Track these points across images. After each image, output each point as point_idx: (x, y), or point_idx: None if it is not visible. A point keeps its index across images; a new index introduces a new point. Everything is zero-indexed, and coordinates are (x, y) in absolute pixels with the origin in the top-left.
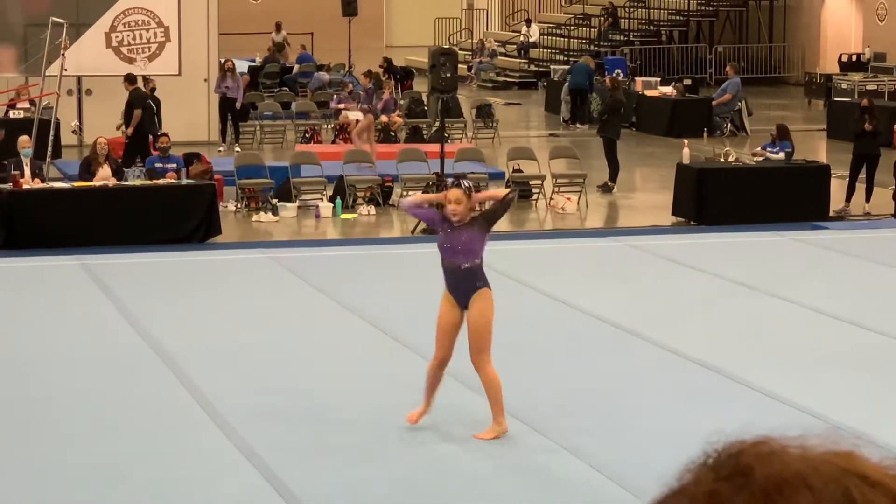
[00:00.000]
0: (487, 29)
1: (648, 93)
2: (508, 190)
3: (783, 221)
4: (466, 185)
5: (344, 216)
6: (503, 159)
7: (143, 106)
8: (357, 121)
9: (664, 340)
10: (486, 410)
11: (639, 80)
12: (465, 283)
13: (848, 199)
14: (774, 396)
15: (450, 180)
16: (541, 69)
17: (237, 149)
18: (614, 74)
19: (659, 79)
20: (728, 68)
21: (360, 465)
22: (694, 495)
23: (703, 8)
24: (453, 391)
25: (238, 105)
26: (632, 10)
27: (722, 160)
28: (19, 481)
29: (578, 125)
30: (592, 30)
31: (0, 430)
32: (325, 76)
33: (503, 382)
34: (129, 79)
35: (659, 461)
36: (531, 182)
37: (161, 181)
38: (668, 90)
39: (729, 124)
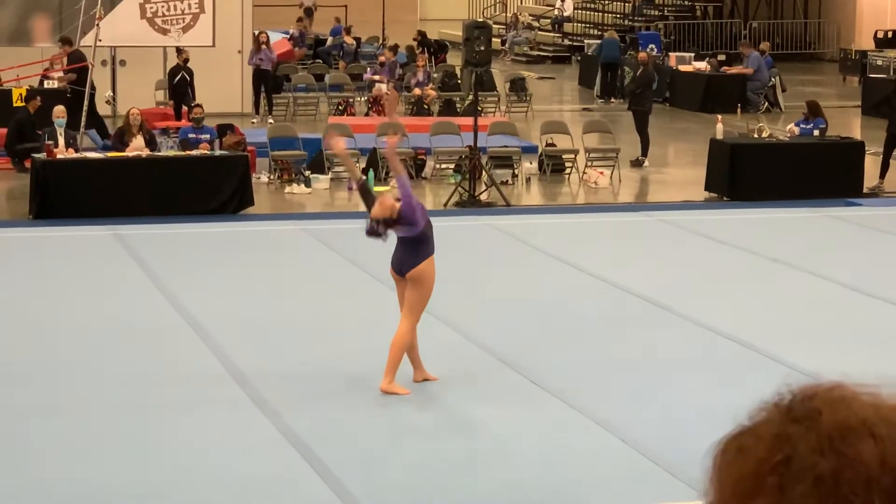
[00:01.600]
0: (521, 3)
1: (682, 68)
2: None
3: (817, 198)
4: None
5: (377, 188)
6: (536, 133)
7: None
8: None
9: (696, 315)
10: (505, 379)
11: (673, 55)
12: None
13: (882, 175)
14: (806, 373)
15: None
16: (574, 43)
17: (270, 120)
18: (647, 49)
19: (693, 54)
20: (762, 45)
21: (391, 437)
22: (762, 435)
23: None
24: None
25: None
26: None
27: (755, 136)
28: (51, 452)
29: (612, 100)
30: (627, 4)
31: (32, 401)
32: (349, 42)
33: (539, 357)
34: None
35: (688, 436)
36: (564, 156)
37: (194, 152)
38: (702, 65)
39: (764, 100)
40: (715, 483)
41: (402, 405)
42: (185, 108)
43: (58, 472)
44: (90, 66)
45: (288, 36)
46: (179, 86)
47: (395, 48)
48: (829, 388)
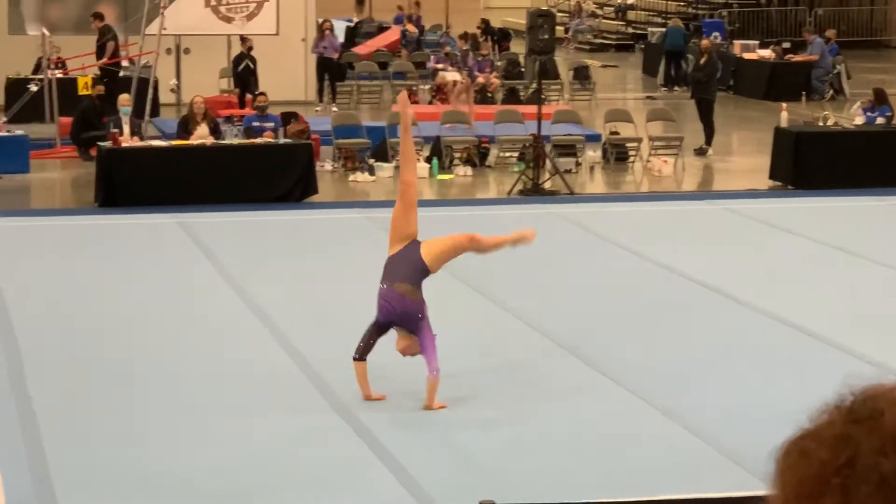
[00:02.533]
0: None
1: (746, 56)
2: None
3: (882, 186)
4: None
5: (441, 177)
6: (600, 121)
7: (114, 37)
8: (455, 82)
9: (760, 304)
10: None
11: (737, 42)
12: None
13: None
14: (872, 362)
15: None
16: (638, 31)
17: (334, 108)
18: (712, 37)
19: (757, 42)
20: (827, 33)
21: (454, 424)
22: (824, 437)
23: None
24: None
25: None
26: None
27: (821, 124)
28: (112, 438)
29: (675, 88)
30: None
31: (97, 387)
32: (412, 31)
33: (602, 345)
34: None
35: (750, 424)
36: (628, 144)
37: (258, 140)
38: (767, 53)
39: (829, 88)
40: (778, 486)
41: (464, 392)
42: (248, 97)
43: (118, 459)
44: (156, 55)
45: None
46: (243, 74)
47: (465, 35)
48: (891, 388)
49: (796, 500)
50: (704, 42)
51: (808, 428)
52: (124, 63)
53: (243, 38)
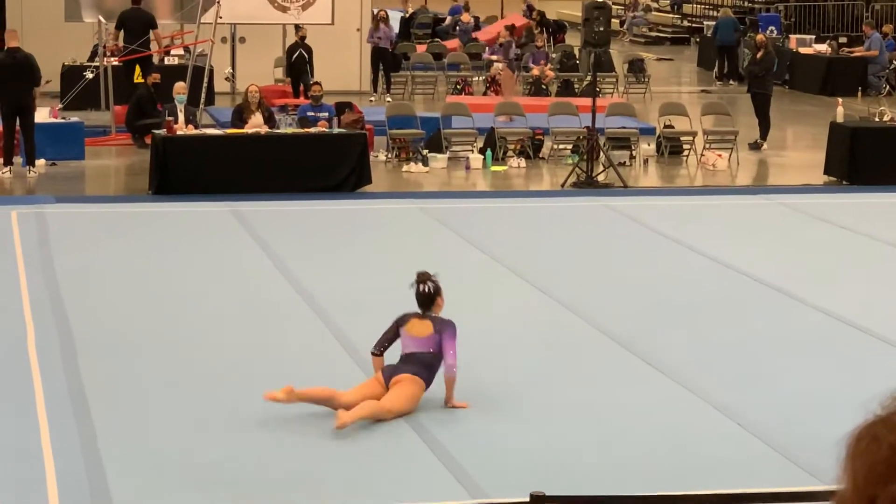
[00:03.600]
0: None
1: (802, 50)
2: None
3: None
4: (428, 288)
5: (494, 168)
6: (654, 115)
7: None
8: (498, 73)
9: (814, 300)
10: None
11: (793, 37)
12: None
13: None
14: None
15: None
16: (693, 24)
17: (388, 99)
18: (768, 31)
19: (813, 36)
20: (885, 28)
21: (505, 417)
22: (895, 424)
23: None
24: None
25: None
26: None
27: (877, 119)
28: (166, 422)
29: (731, 81)
30: None
31: (149, 371)
32: (466, 21)
33: (654, 338)
34: None
35: (805, 421)
36: (682, 138)
37: (312, 129)
38: (823, 48)
39: (886, 83)
40: (848, 471)
41: (514, 384)
42: (302, 86)
43: (172, 444)
44: (211, 43)
45: (404, 14)
46: (297, 63)
47: (511, 28)
48: None
49: (866, 484)
50: (760, 36)
51: (880, 414)
52: (180, 51)
53: (297, 28)
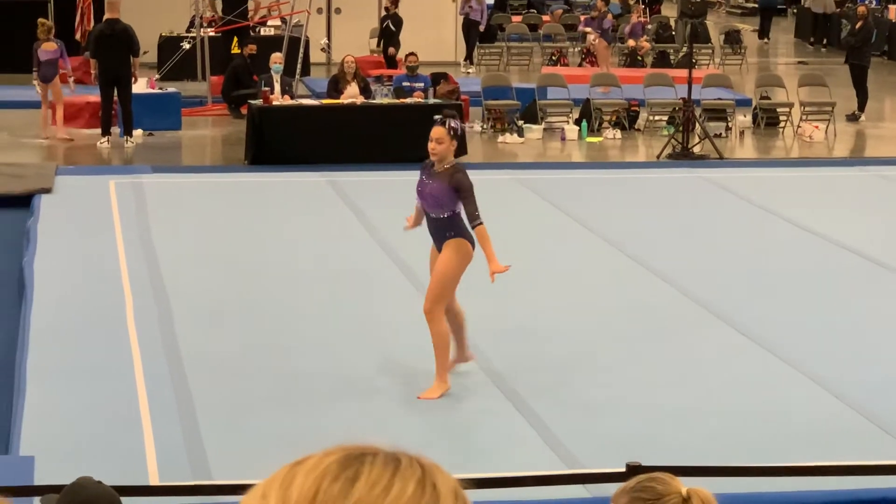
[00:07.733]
0: None
1: None
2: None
3: None
4: (452, 125)
5: (589, 139)
6: (751, 86)
7: None
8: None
9: None
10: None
11: (892, 7)
12: (435, 231)
13: None
14: None
15: (437, 117)
16: None
17: (470, 70)
18: (867, 2)
19: None
20: None
21: (598, 386)
22: None
23: None
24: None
25: (481, 28)
26: None
27: None
28: (263, 395)
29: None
30: None
31: (245, 341)
32: None
33: (750, 310)
34: None
35: None
36: (778, 110)
37: (408, 100)
38: None
39: None
40: None
41: (610, 355)
42: (399, 57)
43: (267, 418)
44: (307, 14)
45: None
46: (385, 33)
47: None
48: None
49: None
50: (860, 8)
51: None
52: (275, 22)
53: None
